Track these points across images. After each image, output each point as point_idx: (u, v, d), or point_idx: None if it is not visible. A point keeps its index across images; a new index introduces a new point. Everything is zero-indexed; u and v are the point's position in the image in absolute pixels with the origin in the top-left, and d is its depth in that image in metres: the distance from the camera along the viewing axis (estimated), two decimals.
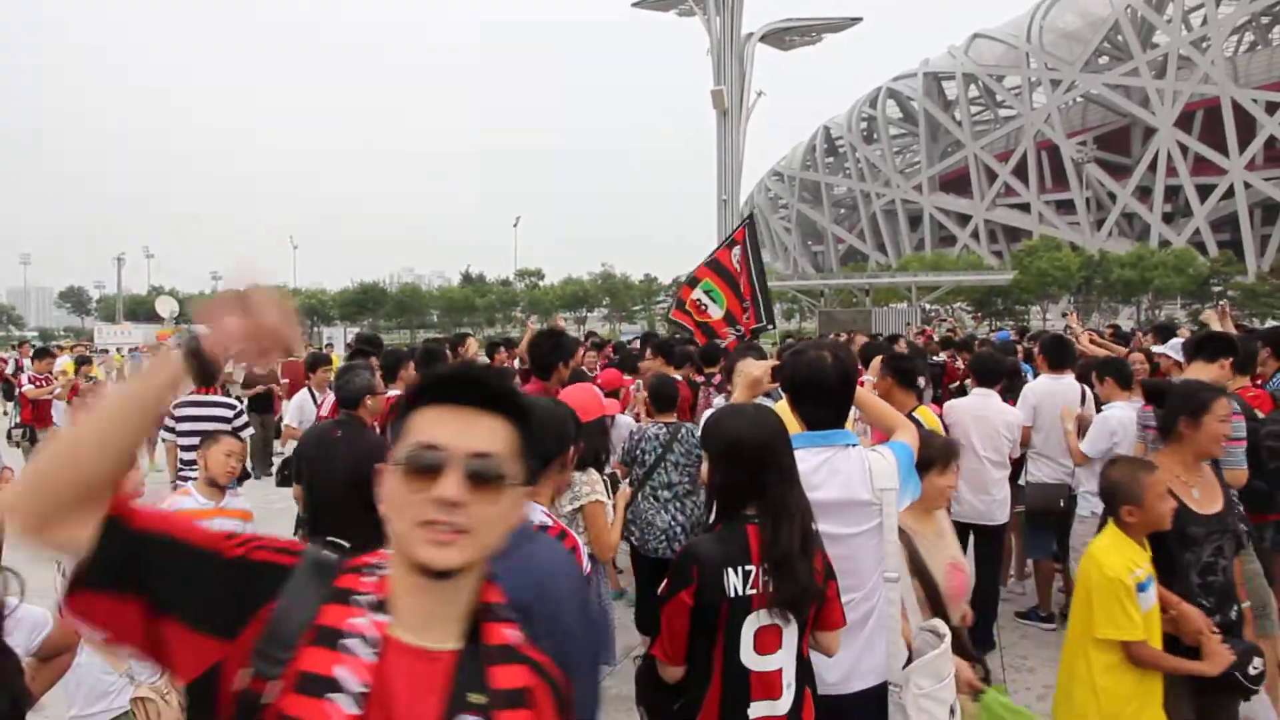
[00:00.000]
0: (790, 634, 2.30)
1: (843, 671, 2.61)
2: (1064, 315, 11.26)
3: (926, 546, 3.04)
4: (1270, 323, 42.82)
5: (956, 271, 55.75)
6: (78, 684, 3.19)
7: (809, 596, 2.27)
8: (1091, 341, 7.84)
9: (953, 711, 2.63)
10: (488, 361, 8.46)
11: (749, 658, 2.26)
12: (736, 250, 9.77)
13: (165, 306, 57.89)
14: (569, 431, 2.56)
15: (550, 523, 2.38)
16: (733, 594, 2.26)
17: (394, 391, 6.36)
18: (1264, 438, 4.56)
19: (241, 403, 7.99)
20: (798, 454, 2.61)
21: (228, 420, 6.99)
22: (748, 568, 2.28)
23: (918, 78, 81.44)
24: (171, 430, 7.02)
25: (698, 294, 9.98)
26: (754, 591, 2.27)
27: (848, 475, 2.60)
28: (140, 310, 73.20)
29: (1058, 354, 6.20)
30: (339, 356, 26.13)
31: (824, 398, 2.67)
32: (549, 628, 1.58)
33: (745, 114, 25.62)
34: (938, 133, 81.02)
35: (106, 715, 3.21)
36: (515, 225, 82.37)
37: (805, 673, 2.38)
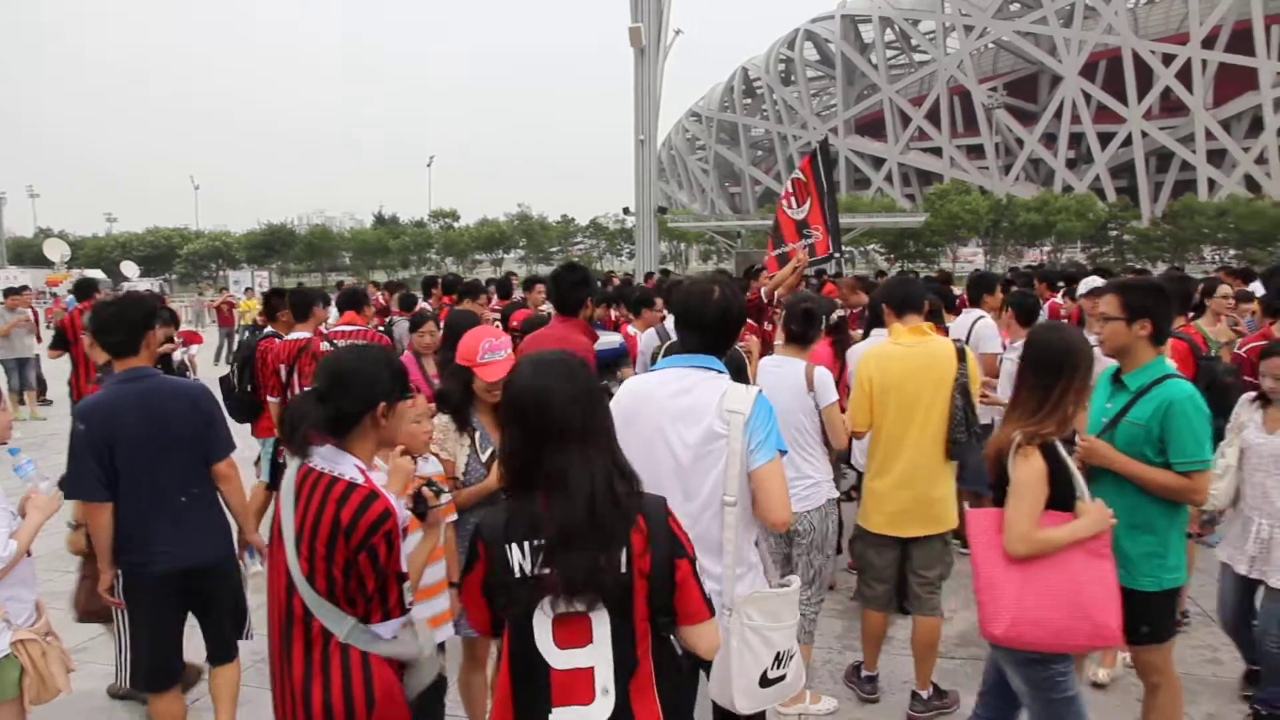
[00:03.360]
0: (601, 624, 1.94)
1: None
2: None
3: None
4: (1161, 267, 44.88)
5: (870, 214, 56.65)
6: None
7: (601, 581, 1.91)
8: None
9: (779, 660, 2.61)
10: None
11: (548, 650, 1.93)
12: (793, 176, 9.06)
13: (55, 250, 54.96)
14: (379, 383, 2.33)
15: (361, 480, 2.25)
16: (519, 573, 1.94)
17: (302, 334, 6.22)
18: (1222, 374, 4.78)
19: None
20: (659, 374, 2.74)
21: None
22: (537, 541, 1.93)
23: (835, 20, 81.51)
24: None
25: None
26: (547, 571, 1.92)
27: (698, 396, 2.64)
28: (27, 254, 69.36)
29: (974, 291, 6.74)
30: (254, 303, 25.39)
31: (700, 327, 2.74)
32: None
33: (663, 52, 25.21)
34: (854, 76, 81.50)
35: None
36: (429, 165, 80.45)
37: (637, 673, 1.99)
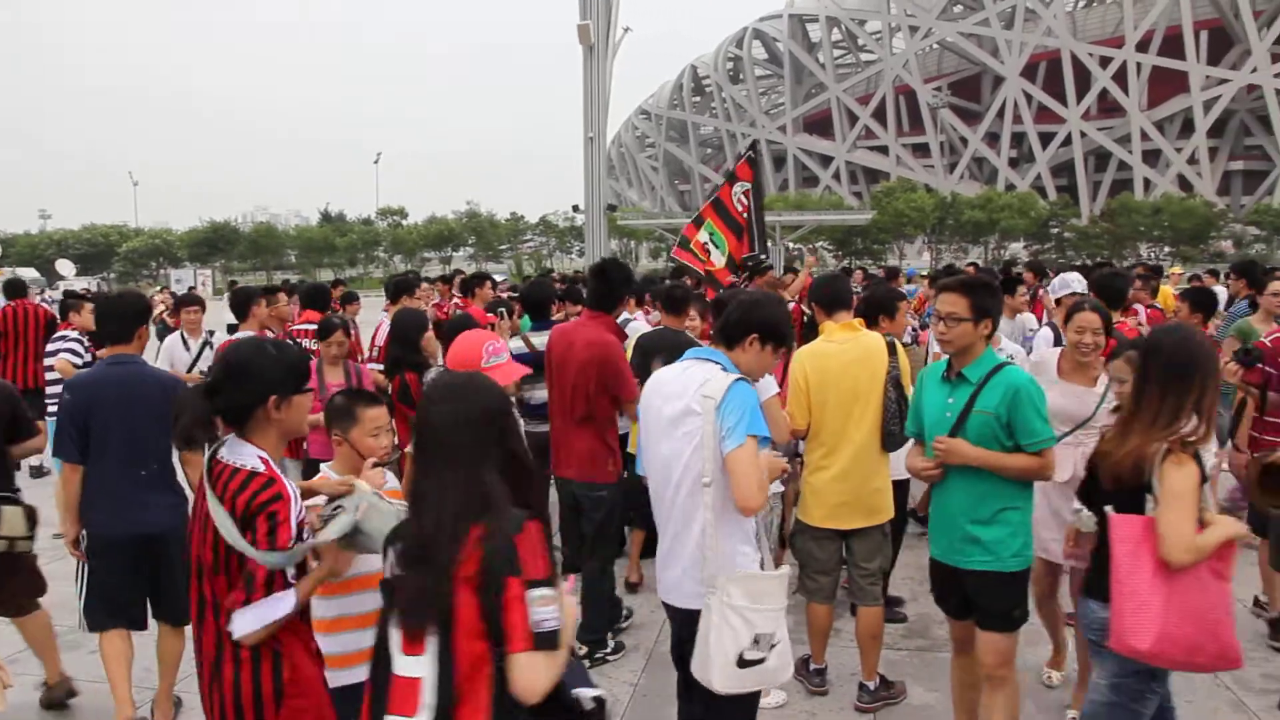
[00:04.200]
0: (433, 639, 1.90)
1: (673, 579, 2.94)
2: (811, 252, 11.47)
3: None
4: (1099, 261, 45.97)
5: (819, 211, 57.18)
6: None
7: (429, 605, 1.88)
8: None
9: (758, 642, 2.69)
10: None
11: (395, 653, 1.93)
12: (739, 187, 8.93)
13: None
14: (268, 376, 2.37)
15: (263, 469, 2.31)
16: (389, 574, 2.02)
17: (246, 333, 6.15)
18: None
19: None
20: (678, 363, 3.04)
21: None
22: (401, 547, 2.00)
23: (783, 19, 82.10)
24: None
25: (703, 236, 9.05)
26: (398, 573, 1.99)
27: (687, 381, 2.89)
28: None
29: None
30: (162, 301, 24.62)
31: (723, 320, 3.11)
32: None
33: (611, 50, 25.19)
34: (802, 75, 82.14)
35: None
36: (376, 162, 79.32)
37: (464, 703, 1.86)
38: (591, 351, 4.48)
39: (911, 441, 3.70)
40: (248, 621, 2.22)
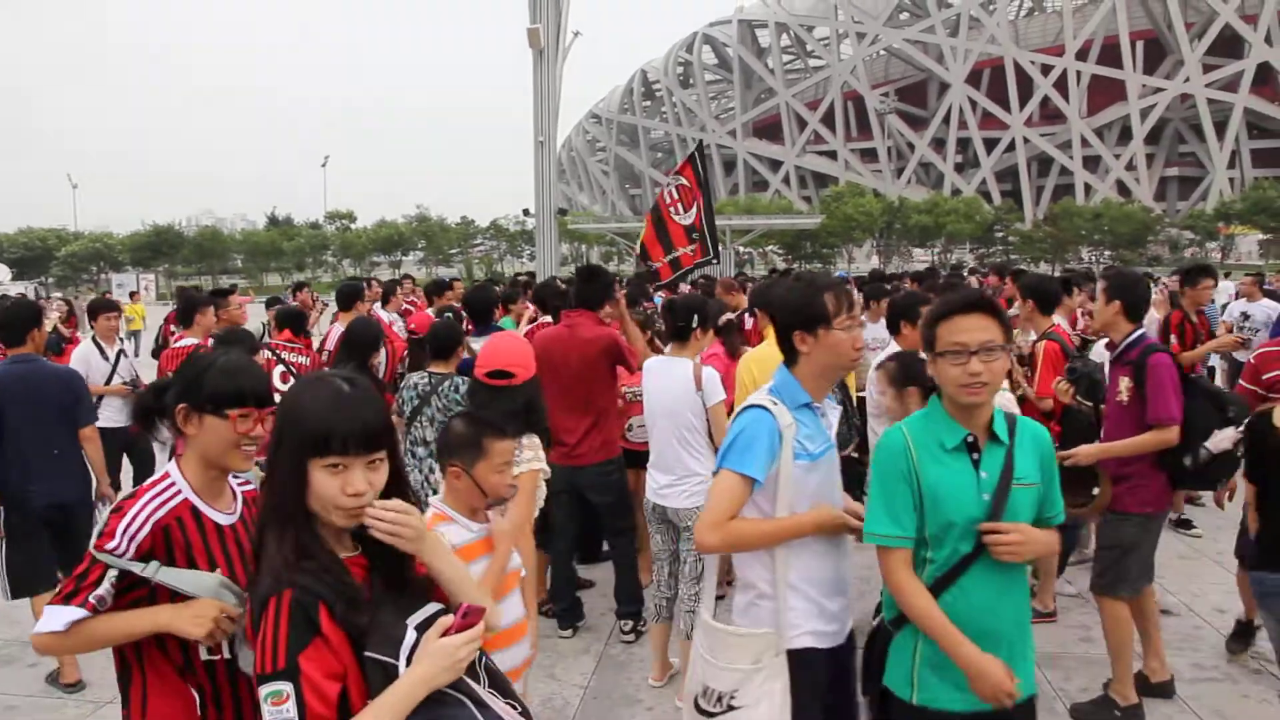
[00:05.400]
0: None
1: None
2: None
3: None
4: (1044, 266, 47.06)
5: (769, 215, 57.68)
6: None
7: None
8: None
9: (707, 695, 2.50)
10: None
11: None
12: (672, 179, 9.10)
13: None
14: (188, 383, 2.13)
15: (158, 475, 2.15)
16: None
17: (190, 340, 6.02)
18: (1095, 371, 4.76)
19: None
20: None
21: None
22: None
23: (733, 25, 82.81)
24: None
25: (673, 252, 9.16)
26: None
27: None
28: None
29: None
30: (141, 308, 24.04)
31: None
32: None
33: (562, 54, 25.18)
34: (751, 80, 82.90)
35: None
36: (324, 165, 78.26)
37: None
38: (595, 345, 4.90)
39: (898, 552, 2.31)
40: (39, 620, 1.99)
